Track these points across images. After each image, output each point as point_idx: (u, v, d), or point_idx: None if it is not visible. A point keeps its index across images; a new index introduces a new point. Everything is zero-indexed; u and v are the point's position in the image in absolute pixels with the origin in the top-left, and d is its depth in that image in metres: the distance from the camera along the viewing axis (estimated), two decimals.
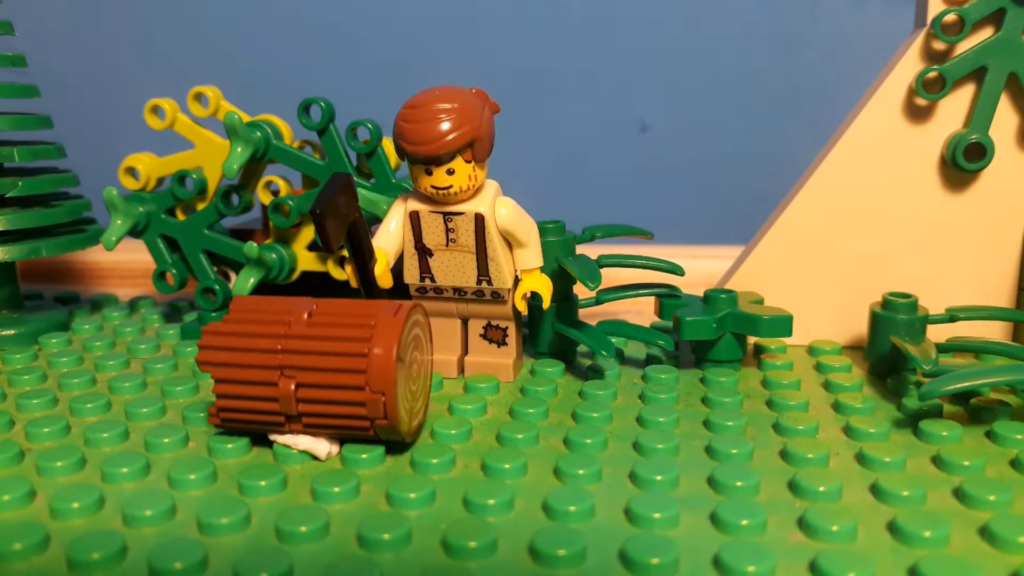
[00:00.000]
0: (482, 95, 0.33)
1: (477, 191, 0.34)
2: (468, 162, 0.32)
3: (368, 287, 0.33)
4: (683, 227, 0.61)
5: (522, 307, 0.35)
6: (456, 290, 0.35)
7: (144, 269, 0.55)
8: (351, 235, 0.32)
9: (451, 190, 0.32)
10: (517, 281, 0.35)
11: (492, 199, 0.34)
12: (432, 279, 0.35)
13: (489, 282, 0.34)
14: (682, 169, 0.69)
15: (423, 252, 0.34)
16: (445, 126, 0.31)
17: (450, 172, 0.32)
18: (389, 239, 0.34)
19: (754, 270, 0.41)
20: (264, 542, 0.24)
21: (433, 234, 0.34)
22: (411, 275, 0.35)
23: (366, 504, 0.26)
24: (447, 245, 0.34)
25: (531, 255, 0.35)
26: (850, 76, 0.49)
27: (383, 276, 0.34)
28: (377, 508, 0.26)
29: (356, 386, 0.27)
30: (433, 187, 0.32)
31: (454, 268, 0.34)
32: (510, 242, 0.34)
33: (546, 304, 0.35)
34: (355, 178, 0.40)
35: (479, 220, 0.33)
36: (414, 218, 0.34)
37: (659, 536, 0.24)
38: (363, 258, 0.33)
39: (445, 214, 0.33)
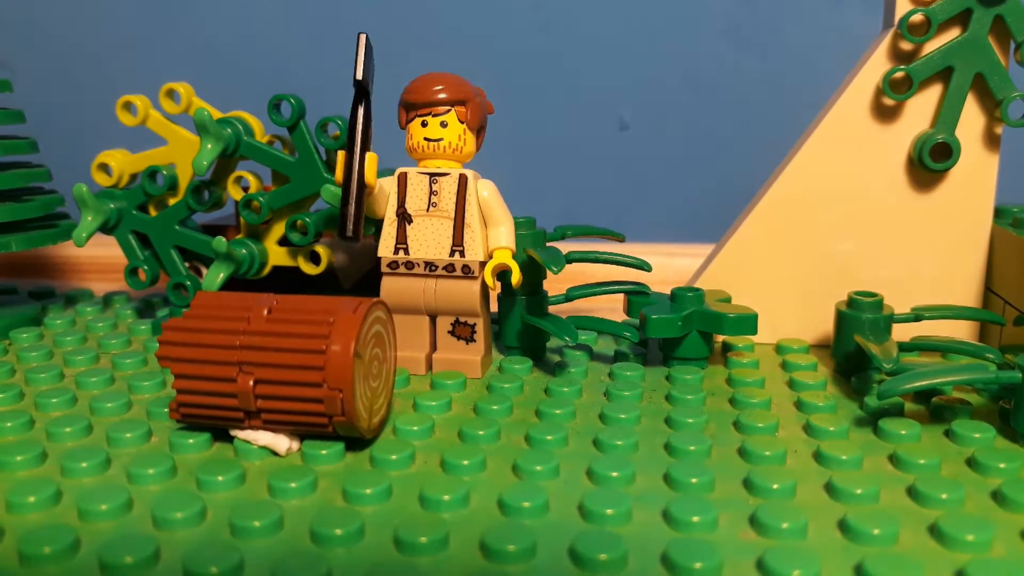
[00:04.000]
0: (481, 92, 0.37)
1: (463, 168, 0.36)
2: (461, 122, 0.35)
3: (348, 181, 0.34)
4: (662, 224, 0.61)
5: (491, 281, 0.36)
6: (428, 264, 0.36)
7: (122, 264, 0.55)
8: (361, 98, 0.34)
9: (442, 143, 0.35)
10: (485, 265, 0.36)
11: (474, 177, 0.36)
12: (406, 251, 0.36)
13: (462, 253, 0.36)
14: (662, 167, 0.69)
15: (403, 219, 0.36)
16: (441, 84, 0.35)
17: (443, 125, 0.35)
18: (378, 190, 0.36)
19: (723, 268, 0.41)
20: (217, 537, 0.24)
21: (416, 198, 0.36)
22: (386, 246, 0.36)
23: (322, 500, 0.26)
24: (428, 210, 0.36)
25: (505, 235, 0.36)
26: (828, 75, 0.49)
27: (371, 166, 0.35)
28: (333, 504, 0.26)
29: (314, 383, 0.27)
30: (426, 139, 0.35)
31: (430, 237, 0.36)
32: (487, 221, 0.36)
33: (515, 279, 0.36)
34: (324, 174, 0.40)
35: (462, 181, 0.36)
36: (401, 180, 0.36)
37: (610, 532, 0.24)
38: (355, 136, 0.34)
39: (431, 175, 0.36)
